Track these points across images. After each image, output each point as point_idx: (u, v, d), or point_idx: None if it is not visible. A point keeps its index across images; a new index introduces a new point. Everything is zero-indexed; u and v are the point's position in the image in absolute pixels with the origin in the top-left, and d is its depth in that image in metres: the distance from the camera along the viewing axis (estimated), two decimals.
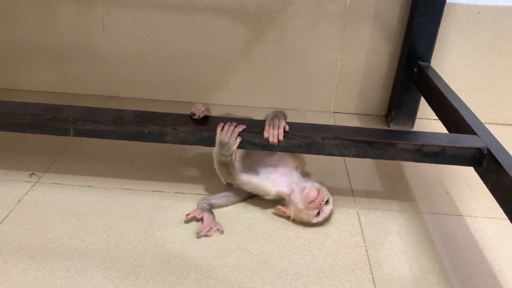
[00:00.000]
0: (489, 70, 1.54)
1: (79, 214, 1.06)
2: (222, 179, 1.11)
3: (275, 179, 1.05)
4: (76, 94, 1.67)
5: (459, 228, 1.09)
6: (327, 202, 1.03)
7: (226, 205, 1.11)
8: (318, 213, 1.02)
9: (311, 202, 1.00)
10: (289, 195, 1.04)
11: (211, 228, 1.02)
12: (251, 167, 1.07)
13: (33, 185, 1.15)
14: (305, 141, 0.97)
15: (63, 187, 1.15)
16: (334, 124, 1.55)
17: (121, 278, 0.89)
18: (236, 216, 1.08)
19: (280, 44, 1.54)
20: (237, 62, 1.58)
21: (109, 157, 1.30)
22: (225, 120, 0.99)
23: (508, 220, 0.86)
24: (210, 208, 1.07)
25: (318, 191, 1.01)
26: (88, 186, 1.16)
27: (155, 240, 0.99)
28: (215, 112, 1.09)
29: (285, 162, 1.07)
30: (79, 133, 1.00)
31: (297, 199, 1.02)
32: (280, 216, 1.08)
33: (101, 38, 1.57)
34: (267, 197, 1.06)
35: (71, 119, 0.98)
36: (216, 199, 1.10)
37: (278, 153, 1.07)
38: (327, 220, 1.06)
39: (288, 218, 1.06)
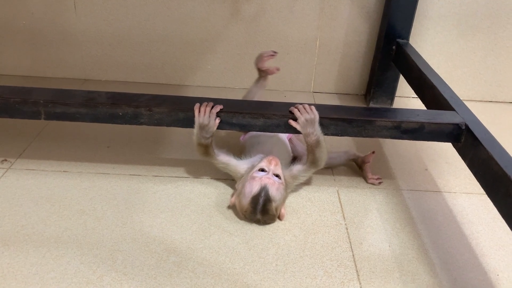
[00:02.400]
0: (466, 47, 1.54)
1: (54, 200, 1.03)
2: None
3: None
4: (50, 77, 1.62)
5: (438, 204, 1.10)
6: (278, 176, 0.97)
7: None
8: (263, 170, 0.97)
9: (266, 157, 1.00)
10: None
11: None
12: (251, 148, 1.08)
13: (5, 172, 1.12)
14: (283, 120, 0.96)
15: (37, 173, 1.12)
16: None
17: (98, 263, 0.87)
18: (216, 197, 1.07)
19: (257, 23, 1.51)
20: (215, 42, 1.55)
21: (84, 141, 1.26)
22: (201, 100, 0.97)
23: (485, 195, 0.87)
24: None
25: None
26: (63, 171, 1.13)
27: (133, 224, 0.97)
28: (193, 94, 1.06)
29: (279, 152, 1.07)
30: (50, 116, 0.96)
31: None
32: None
33: (73, 18, 1.52)
34: (237, 178, 1.05)
35: (41, 101, 0.94)
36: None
37: (275, 144, 1.08)
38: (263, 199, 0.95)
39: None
